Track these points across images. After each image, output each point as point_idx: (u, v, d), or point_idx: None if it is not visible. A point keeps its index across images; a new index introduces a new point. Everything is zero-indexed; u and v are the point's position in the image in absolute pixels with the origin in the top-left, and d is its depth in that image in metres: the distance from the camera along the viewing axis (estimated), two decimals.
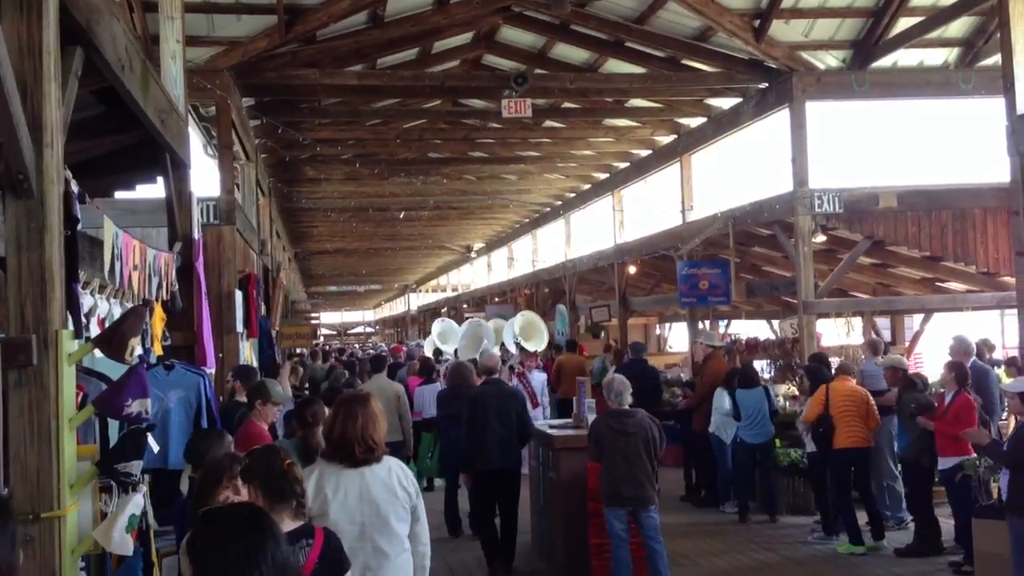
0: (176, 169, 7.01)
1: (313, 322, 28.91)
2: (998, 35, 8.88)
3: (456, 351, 15.86)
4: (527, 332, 14.08)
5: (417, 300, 52.60)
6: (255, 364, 11.60)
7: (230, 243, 10.58)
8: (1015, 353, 12.02)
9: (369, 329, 72.56)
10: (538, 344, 14.08)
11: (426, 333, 36.91)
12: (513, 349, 15.06)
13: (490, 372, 9.04)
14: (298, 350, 21.81)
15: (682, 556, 8.74)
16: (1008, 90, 8.09)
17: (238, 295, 10.54)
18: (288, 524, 3.41)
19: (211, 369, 7.21)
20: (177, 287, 6.74)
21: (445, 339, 16.61)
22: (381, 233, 29.45)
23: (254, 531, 2.11)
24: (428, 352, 16.93)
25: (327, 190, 20.89)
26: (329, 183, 20.08)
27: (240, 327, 10.65)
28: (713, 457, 10.98)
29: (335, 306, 66.85)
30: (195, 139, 11.81)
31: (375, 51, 12.40)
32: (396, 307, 64.06)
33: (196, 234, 7.23)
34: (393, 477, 4.14)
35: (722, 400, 10.64)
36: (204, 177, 11.36)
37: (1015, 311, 9.62)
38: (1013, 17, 8.09)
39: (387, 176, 19.40)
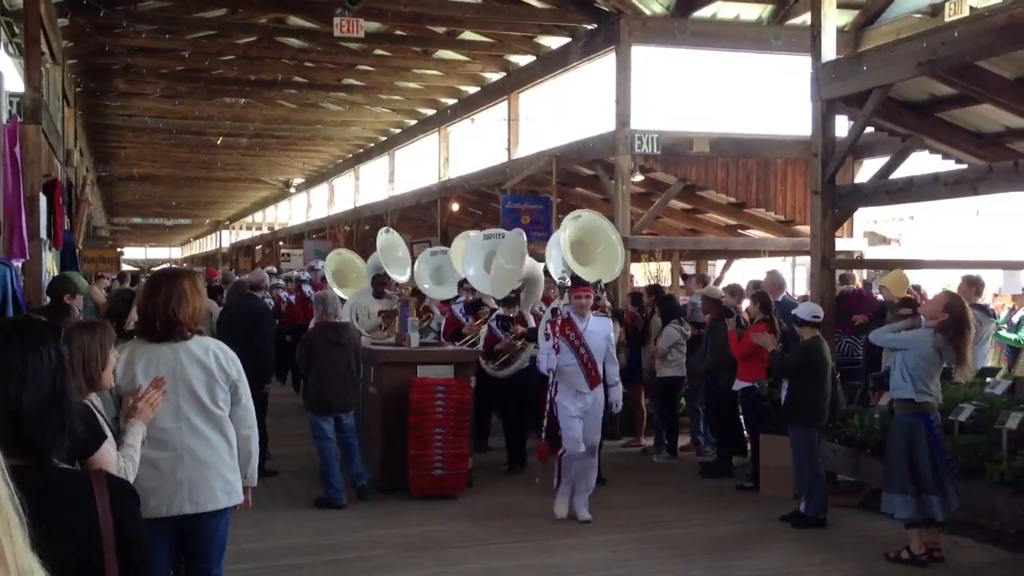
0: None
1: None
2: None
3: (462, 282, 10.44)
4: (580, 251, 8.43)
5: (229, 238, 50.79)
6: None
7: (35, 144, 9.88)
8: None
9: (177, 267, 69.31)
10: (604, 271, 8.40)
11: (243, 271, 34.98)
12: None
13: (255, 288, 9.76)
14: (102, 275, 20.69)
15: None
16: (815, 39, 8.72)
17: (43, 200, 9.92)
18: None
19: (18, 262, 6.82)
20: None
21: (391, 259, 10.73)
22: (195, 160, 28.17)
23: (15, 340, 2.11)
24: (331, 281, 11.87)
25: (140, 106, 19.76)
26: (143, 99, 19.02)
27: (44, 235, 10.05)
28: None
29: (139, 241, 63.32)
30: None
31: None
32: (206, 245, 61.61)
33: (5, 118, 6.76)
34: (210, 356, 4.07)
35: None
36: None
37: (806, 259, 10.51)
38: None
39: (207, 96, 18.60)
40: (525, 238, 9.58)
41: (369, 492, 8.12)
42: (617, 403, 7.74)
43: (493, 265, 9.51)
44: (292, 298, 15.27)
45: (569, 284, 7.74)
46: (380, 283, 10.51)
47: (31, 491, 1.65)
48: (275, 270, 19.59)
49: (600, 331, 7.57)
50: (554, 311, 8.23)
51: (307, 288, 14.73)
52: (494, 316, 9.59)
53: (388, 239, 11.07)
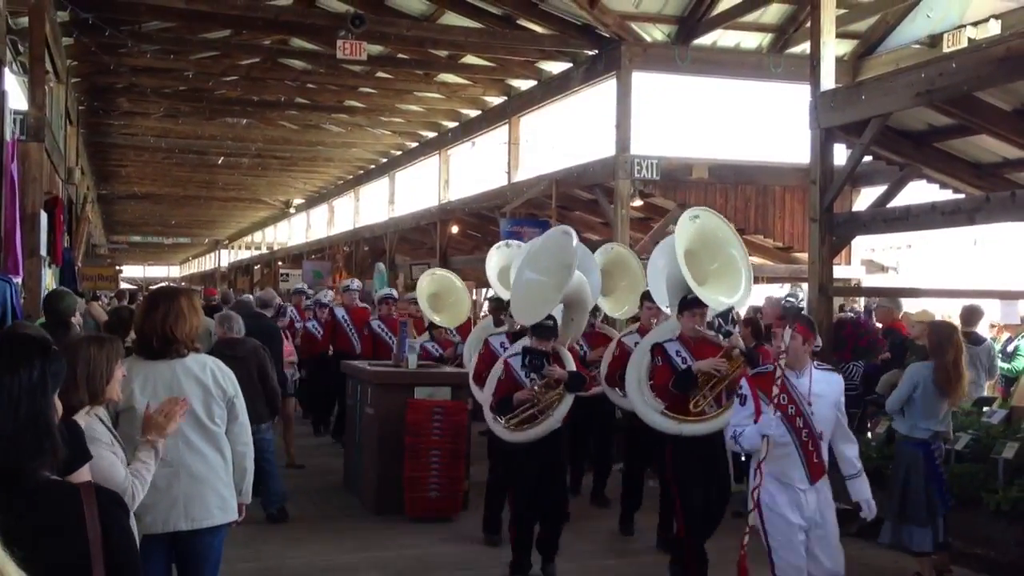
0: None
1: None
2: (807, 24, 9.63)
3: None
4: (691, 264, 6.18)
5: (228, 257, 50.87)
6: None
7: (37, 161, 9.95)
8: None
9: (175, 285, 69.08)
10: (721, 294, 6.34)
11: (241, 291, 34.72)
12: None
13: (264, 306, 9.59)
14: (99, 293, 20.70)
15: None
16: (814, 68, 8.80)
17: (43, 217, 9.96)
18: None
19: (18, 279, 6.83)
20: None
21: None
22: (196, 179, 28.26)
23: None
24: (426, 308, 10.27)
25: (142, 126, 19.86)
26: (145, 118, 19.12)
27: (44, 252, 10.08)
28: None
29: (138, 259, 63.42)
30: None
31: None
32: (205, 264, 61.65)
33: (8, 135, 6.81)
34: (207, 373, 4.10)
35: None
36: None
37: (804, 286, 10.55)
38: (823, 0, 8.80)
39: (209, 116, 18.69)
40: (575, 239, 6.76)
41: (279, 518, 7.97)
42: (869, 504, 5.23)
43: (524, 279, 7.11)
44: (308, 324, 13.05)
45: (802, 305, 5.16)
46: (498, 311, 9.20)
47: (17, 500, 1.63)
48: (307, 288, 16.56)
49: (829, 395, 5.09)
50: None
51: (340, 312, 12.45)
52: (518, 350, 6.81)
53: (507, 254, 8.62)
